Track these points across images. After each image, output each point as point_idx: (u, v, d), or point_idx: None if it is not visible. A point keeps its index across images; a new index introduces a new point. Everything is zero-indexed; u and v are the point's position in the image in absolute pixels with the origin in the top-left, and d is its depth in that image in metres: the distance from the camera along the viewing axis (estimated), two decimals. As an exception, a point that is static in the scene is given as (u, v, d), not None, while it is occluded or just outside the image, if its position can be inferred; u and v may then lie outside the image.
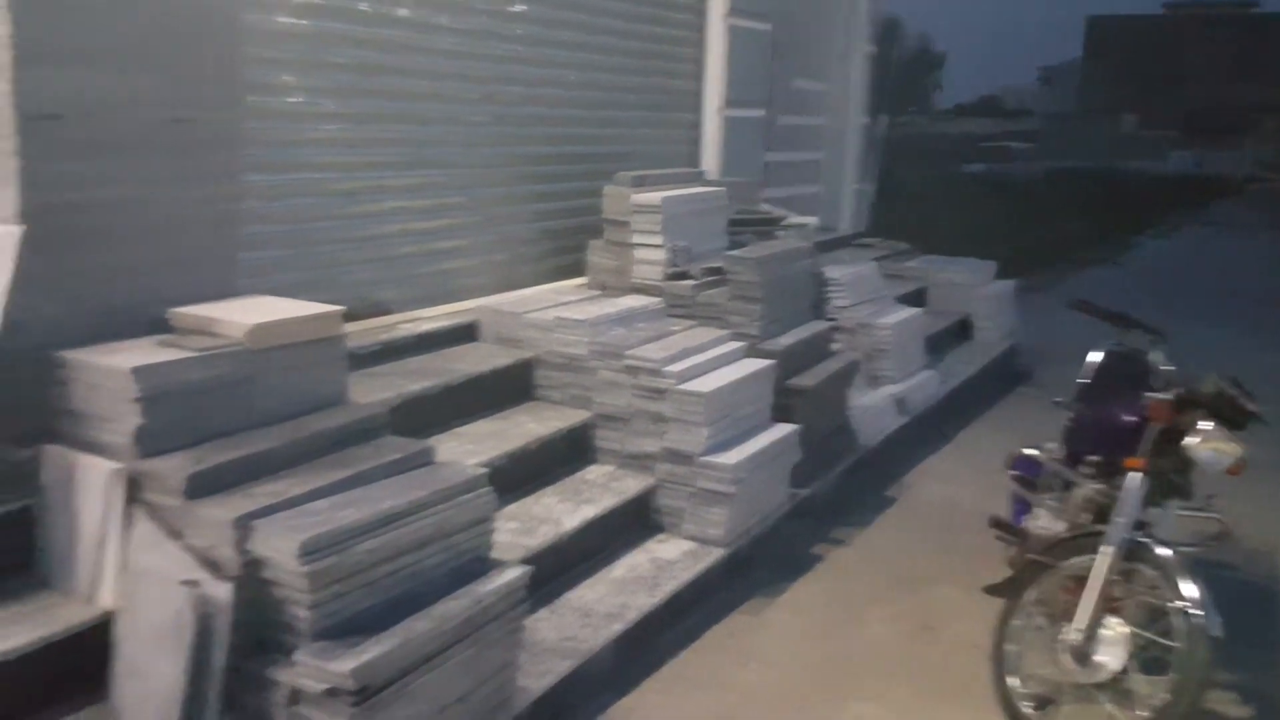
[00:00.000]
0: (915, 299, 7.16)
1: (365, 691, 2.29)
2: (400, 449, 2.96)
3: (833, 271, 5.96)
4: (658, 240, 5.00)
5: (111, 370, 2.62)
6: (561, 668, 3.04)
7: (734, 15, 6.66)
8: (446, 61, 4.69)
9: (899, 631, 3.77)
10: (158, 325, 2.92)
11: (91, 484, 2.61)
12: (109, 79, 2.84)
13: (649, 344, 4.32)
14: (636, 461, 4.17)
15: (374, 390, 3.61)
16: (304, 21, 4.00)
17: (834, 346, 5.43)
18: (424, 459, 2.97)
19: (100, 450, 2.65)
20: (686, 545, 3.98)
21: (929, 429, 5.96)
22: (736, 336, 4.69)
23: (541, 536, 3.53)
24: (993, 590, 3.30)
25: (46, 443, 2.72)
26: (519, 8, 5.10)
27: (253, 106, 3.48)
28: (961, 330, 7.60)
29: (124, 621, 2.50)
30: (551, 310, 4.51)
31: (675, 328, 4.67)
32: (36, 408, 2.72)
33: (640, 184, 5.11)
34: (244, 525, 2.40)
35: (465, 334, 4.58)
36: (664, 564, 3.81)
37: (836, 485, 4.88)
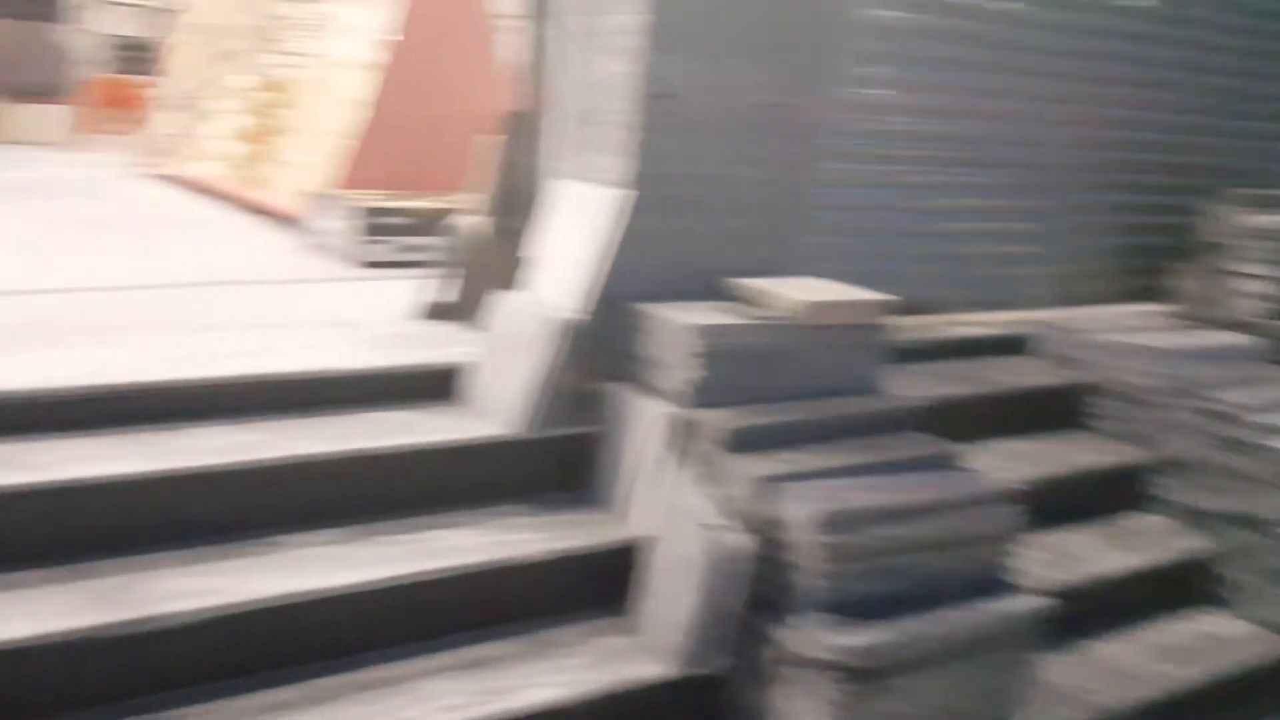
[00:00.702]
0: None
1: (860, 673, 2.28)
2: (925, 446, 2.89)
3: None
4: (1269, 271, 4.25)
5: (682, 325, 2.89)
6: (1071, 717, 2.74)
7: None
8: (1038, 58, 4.44)
9: None
10: (717, 291, 3.16)
11: (647, 422, 2.91)
12: (719, 64, 3.11)
13: (1238, 388, 3.69)
14: (1196, 519, 3.60)
15: (907, 385, 3.53)
16: (902, 14, 4.06)
17: None
18: (948, 462, 2.87)
19: (658, 394, 2.94)
20: (1249, 629, 3.35)
21: None
22: (1361, 397, 3.82)
23: (1066, 573, 3.20)
24: None
25: (614, 380, 3.10)
26: (1145, 1, 4.65)
27: (843, 96, 3.60)
28: None
29: (655, 549, 2.76)
30: (1120, 334, 4.07)
31: (1277, 375, 3.94)
32: (611, 348, 3.09)
33: (1258, 204, 4.38)
34: (772, 486, 2.52)
35: (1012, 345, 4.31)
36: (1216, 641, 3.25)
37: None
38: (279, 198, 5.77)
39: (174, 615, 2.26)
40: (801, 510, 2.45)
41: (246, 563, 2.51)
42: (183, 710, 2.23)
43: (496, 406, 3.09)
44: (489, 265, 3.61)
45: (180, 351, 3.20)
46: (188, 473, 2.61)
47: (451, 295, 3.81)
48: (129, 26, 11.53)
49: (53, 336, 3.26)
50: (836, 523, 2.43)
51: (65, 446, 2.62)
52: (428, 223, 4.70)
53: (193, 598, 2.32)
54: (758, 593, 2.51)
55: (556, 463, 3.08)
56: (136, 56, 11.17)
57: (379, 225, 4.87)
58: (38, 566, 2.38)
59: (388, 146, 5.39)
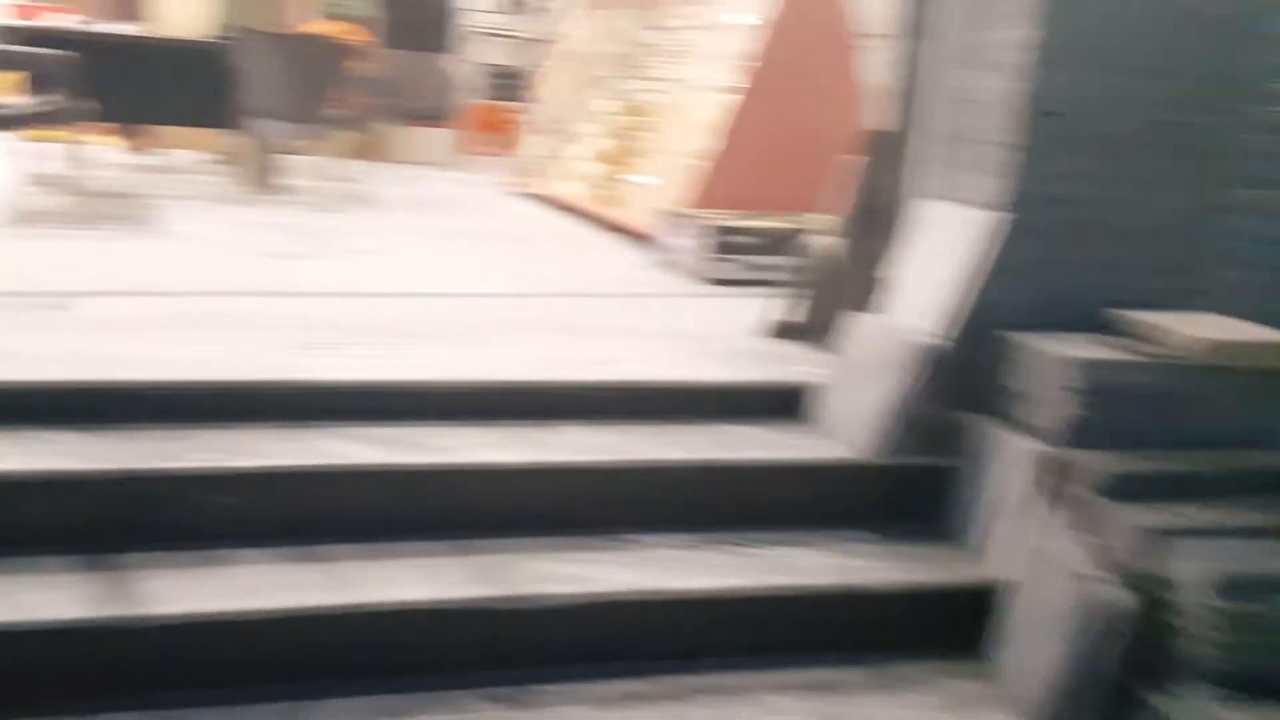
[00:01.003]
0: None
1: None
2: (1351, 516, 2.49)
3: None
4: None
5: (1057, 358, 2.71)
6: None
7: None
8: None
9: None
10: (1100, 324, 2.92)
11: (1010, 459, 2.75)
12: (1114, 81, 2.90)
13: None
14: None
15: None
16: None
17: None
18: (1380, 536, 2.45)
19: (1024, 430, 2.77)
20: None
21: None
22: None
23: None
24: None
25: (974, 411, 2.94)
26: None
27: (1257, 116, 3.21)
28: None
29: (1016, 594, 2.59)
30: None
31: None
32: (973, 378, 2.94)
33: None
34: (1159, 540, 2.29)
35: None
36: None
37: None
38: (634, 216, 6.09)
39: (547, 597, 2.44)
40: (1194, 570, 2.21)
41: (607, 556, 2.65)
42: (546, 687, 2.39)
43: (845, 429, 3.05)
44: (841, 286, 3.58)
45: (553, 354, 3.46)
46: (558, 467, 2.81)
47: (800, 315, 3.82)
48: (503, 56, 12.68)
49: (446, 336, 3.65)
50: (1236, 587, 2.17)
51: (455, 433, 2.91)
52: (778, 242, 4.76)
53: (562, 582, 2.49)
54: (1133, 654, 2.28)
55: (906, 492, 2.99)
56: (509, 84, 12.26)
57: (729, 244, 4.99)
58: (426, 538, 2.64)
59: (741, 167, 5.53)
